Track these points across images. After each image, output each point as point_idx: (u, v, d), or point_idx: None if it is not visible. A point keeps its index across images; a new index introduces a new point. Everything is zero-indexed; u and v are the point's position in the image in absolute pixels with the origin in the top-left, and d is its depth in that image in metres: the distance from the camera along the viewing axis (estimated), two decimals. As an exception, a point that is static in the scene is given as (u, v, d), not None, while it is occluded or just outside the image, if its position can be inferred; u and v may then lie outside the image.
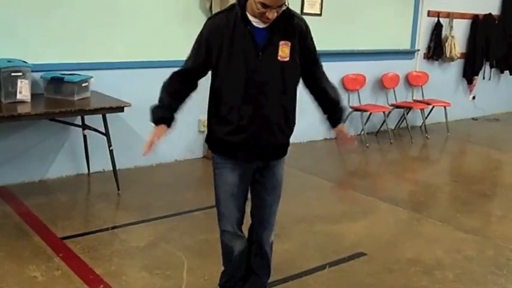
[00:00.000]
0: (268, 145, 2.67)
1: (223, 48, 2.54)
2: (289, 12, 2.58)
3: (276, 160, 2.77)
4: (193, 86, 2.72)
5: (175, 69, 2.73)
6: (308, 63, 2.69)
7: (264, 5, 2.42)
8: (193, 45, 2.65)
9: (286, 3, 2.50)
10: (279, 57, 2.56)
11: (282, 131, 2.69)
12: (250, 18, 2.54)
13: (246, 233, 2.93)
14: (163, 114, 2.71)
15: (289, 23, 2.59)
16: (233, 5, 2.61)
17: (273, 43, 2.55)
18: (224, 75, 2.58)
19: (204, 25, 2.64)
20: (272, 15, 2.46)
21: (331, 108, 2.85)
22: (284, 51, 2.57)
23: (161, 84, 2.74)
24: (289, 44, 2.57)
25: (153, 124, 2.72)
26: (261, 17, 2.49)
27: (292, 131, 2.78)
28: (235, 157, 2.68)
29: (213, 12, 5.44)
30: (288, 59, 2.58)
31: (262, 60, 2.54)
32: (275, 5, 2.43)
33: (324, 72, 2.81)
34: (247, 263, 2.97)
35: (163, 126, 2.70)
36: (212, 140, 2.75)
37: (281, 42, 2.56)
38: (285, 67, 2.58)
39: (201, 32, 2.63)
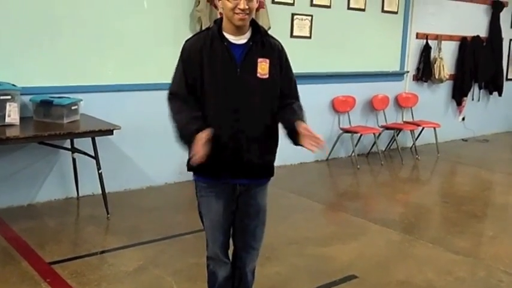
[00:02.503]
0: (252, 161, 2.64)
1: (204, 66, 2.54)
2: (264, 32, 2.64)
3: (259, 181, 2.74)
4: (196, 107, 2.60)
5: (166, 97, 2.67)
6: (283, 80, 2.67)
7: None
8: (175, 71, 2.64)
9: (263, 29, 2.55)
10: (258, 74, 2.57)
11: (262, 149, 2.66)
12: (227, 35, 2.57)
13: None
14: (194, 126, 2.49)
15: (266, 41, 2.62)
16: (208, 27, 2.67)
17: (251, 59, 2.56)
18: (204, 92, 2.57)
19: (182, 47, 2.64)
20: (243, 4, 2.48)
21: (292, 114, 2.65)
22: (263, 68, 2.58)
23: (168, 114, 2.62)
24: (268, 61, 2.59)
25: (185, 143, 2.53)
26: (234, 14, 2.50)
27: (275, 150, 2.74)
28: (218, 177, 2.64)
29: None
30: (267, 76, 2.59)
31: (241, 77, 2.55)
32: None
33: (295, 94, 2.74)
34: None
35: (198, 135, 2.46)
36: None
37: (259, 60, 2.57)
38: (264, 84, 2.59)
39: (180, 55, 2.63)
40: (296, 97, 2.75)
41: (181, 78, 2.60)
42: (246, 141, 2.59)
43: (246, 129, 2.58)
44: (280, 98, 2.68)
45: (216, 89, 2.55)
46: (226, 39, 2.56)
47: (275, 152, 2.75)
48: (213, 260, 2.80)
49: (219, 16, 5.44)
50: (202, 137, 2.42)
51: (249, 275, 2.89)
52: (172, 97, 2.64)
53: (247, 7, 2.50)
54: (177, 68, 2.64)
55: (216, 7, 5.46)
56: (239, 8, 2.48)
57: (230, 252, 2.84)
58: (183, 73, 2.59)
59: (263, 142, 2.65)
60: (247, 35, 2.59)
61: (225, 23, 2.56)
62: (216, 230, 2.73)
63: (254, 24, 2.62)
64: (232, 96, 2.55)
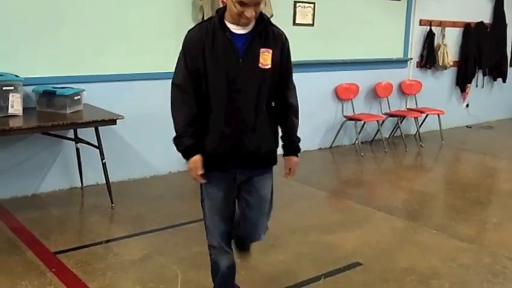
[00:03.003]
0: (251, 151, 2.65)
1: (205, 56, 2.53)
2: (268, 21, 2.61)
3: (261, 171, 2.74)
4: (196, 103, 2.63)
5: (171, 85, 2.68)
6: (282, 72, 2.67)
7: (241, 3, 2.43)
8: (177, 61, 2.64)
9: (263, 2, 2.52)
10: (260, 65, 2.56)
11: (264, 137, 2.67)
12: (229, 25, 2.54)
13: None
14: (188, 142, 2.61)
15: (270, 31, 2.60)
16: (211, 17, 2.64)
17: (253, 49, 2.55)
18: (207, 82, 2.57)
19: (184, 38, 2.64)
20: (250, 13, 2.46)
21: (287, 137, 2.81)
22: (265, 59, 2.57)
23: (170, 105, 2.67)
24: (271, 51, 2.58)
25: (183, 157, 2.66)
26: (239, 17, 2.49)
27: (276, 139, 2.75)
28: (218, 167, 2.65)
29: (205, 24, 5.46)
30: (269, 66, 2.58)
31: (243, 67, 2.54)
32: (252, 3, 2.44)
33: (294, 88, 2.77)
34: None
35: (195, 157, 2.61)
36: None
37: (262, 50, 2.56)
38: (266, 74, 2.58)
39: (182, 46, 2.63)
40: (292, 86, 2.76)
41: (183, 69, 2.60)
42: (246, 131, 2.60)
43: (246, 119, 2.59)
44: (278, 88, 2.69)
45: (218, 79, 2.55)
46: (228, 29, 2.54)
47: (276, 142, 2.75)
48: (215, 249, 2.80)
49: (221, 5, 5.46)
50: (198, 168, 2.59)
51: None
52: (175, 88, 2.65)
53: (253, 14, 2.48)
54: (179, 58, 2.63)
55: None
56: (245, 16, 2.48)
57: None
58: (185, 64, 2.59)
59: (263, 132, 2.65)
60: (251, 25, 2.57)
61: (228, 13, 2.54)
62: (216, 216, 2.73)
63: (258, 14, 2.58)
64: (234, 86, 2.55)
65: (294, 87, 2.78)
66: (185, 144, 2.61)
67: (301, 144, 2.85)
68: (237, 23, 2.54)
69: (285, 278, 3.48)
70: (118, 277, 3.50)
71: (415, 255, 3.96)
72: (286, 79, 2.72)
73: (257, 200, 2.76)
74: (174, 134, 2.77)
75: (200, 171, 2.61)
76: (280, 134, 2.79)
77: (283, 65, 2.66)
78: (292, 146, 2.82)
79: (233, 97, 2.55)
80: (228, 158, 2.64)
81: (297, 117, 2.79)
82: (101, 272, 3.55)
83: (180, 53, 2.62)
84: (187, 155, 2.63)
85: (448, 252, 4.03)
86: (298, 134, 2.82)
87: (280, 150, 2.81)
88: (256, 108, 2.60)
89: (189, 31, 2.66)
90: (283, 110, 2.74)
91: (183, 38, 2.64)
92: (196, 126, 2.60)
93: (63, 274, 3.49)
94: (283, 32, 2.68)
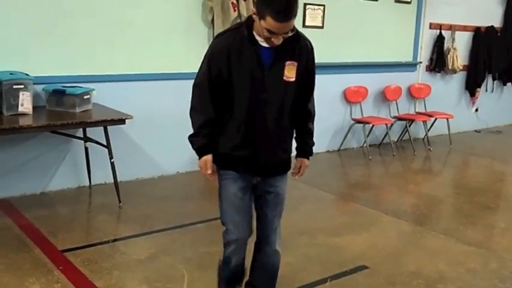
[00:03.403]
0: (268, 162, 2.71)
1: (231, 67, 2.55)
2: (296, 35, 2.60)
3: (275, 176, 2.78)
4: (215, 108, 2.68)
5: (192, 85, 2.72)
6: (305, 83, 2.71)
7: (270, 31, 2.44)
8: (202, 64, 2.67)
9: (294, 27, 2.52)
10: (284, 77, 2.59)
11: (282, 148, 2.74)
12: (257, 38, 2.55)
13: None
14: (201, 142, 2.71)
15: (296, 44, 2.60)
16: (240, 24, 2.64)
17: (279, 63, 2.57)
18: (230, 92, 2.59)
19: (211, 44, 2.68)
20: (278, 40, 2.49)
21: (303, 140, 2.87)
22: (290, 72, 2.59)
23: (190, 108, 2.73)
24: (296, 64, 2.60)
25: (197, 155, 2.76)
26: (267, 40, 2.51)
27: (291, 148, 2.81)
28: (237, 170, 2.71)
29: (215, 24, 5.49)
30: (293, 79, 2.61)
31: (268, 79, 2.57)
32: (281, 32, 2.46)
33: (313, 95, 2.83)
34: (253, 278, 2.99)
35: (206, 157, 2.71)
36: (217, 155, 2.75)
37: (287, 63, 2.58)
38: (289, 87, 2.61)
39: (208, 51, 2.65)
40: (313, 100, 2.82)
41: (205, 74, 2.63)
42: (266, 142, 2.65)
43: (268, 130, 2.63)
44: (300, 98, 2.71)
45: (242, 90, 2.58)
46: (256, 42, 2.55)
47: (291, 150, 2.82)
48: (231, 245, 2.81)
49: (231, 7, 5.48)
50: (208, 167, 2.70)
51: (275, 265, 2.94)
52: (195, 90, 2.70)
53: (281, 40, 2.50)
54: (203, 62, 2.66)
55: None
56: (272, 42, 2.49)
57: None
58: (208, 69, 2.62)
59: (282, 142, 2.72)
60: None
61: (256, 27, 2.53)
62: (234, 213, 2.75)
63: None
64: (258, 98, 2.58)
65: (312, 95, 2.82)
66: (198, 144, 2.71)
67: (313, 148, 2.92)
68: None
69: (291, 280, 3.47)
70: (125, 276, 3.51)
71: (422, 259, 3.95)
72: (309, 88, 2.76)
73: (274, 199, 2.81)
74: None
75: (209, 171, 2.71)
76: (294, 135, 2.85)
77: (308, 75, 2.70)
78: (307, 150, 2.90)
79: (256, 108, 2.59)
80: (245, 166, 2.69)
81: (313, 123, 2.86)
82: (108, 270, 3.56)
83: (205, 57, 2.66)
84: (199, 153, 2.72)
85: (456, 257, 4.01)
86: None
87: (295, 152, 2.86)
88: (277, 120, 2.64)
89: (217, 36, 2.71)
90: (302, 117, 2.79)
91: (210, 43, 2.68)
92: (211, 128, 2.68)
93: (70, 272, 3.51)
94: (309, 41, 2.69)
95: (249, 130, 2.62)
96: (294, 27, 2.54)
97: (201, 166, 2.74)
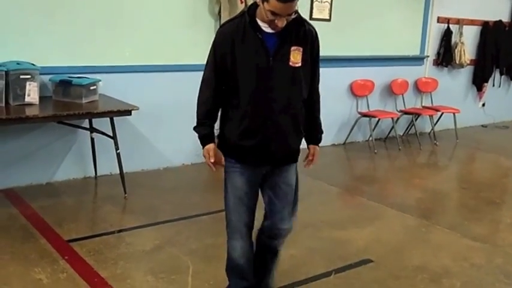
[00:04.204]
0: (278, 150, 2.69)
1: (235, 54, 2.55)
2: (300, 18, 2.59)
3: (284, 165, 2.76)
4: (221, 97, 2.72)
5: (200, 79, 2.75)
6: (311, 69, 2.70)
7: (273, 13, 2.43)
8: (208, 55, 2.68)
9: (296, 9, 2.50)
10: (290, 63, 2.57)
11: (291, 136, 2.70)
12: (260, 24, 2.54)
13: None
14: (204, 131, 2.76)
15: (300, 28, 2.59)
16: (243, 12, 2.63)
17: (284, 48, 2.56)
18: (236, 80, 2.59)
19: (216, 34, 2.68)
20: (281, 23, 2.47)
21: (312, 129, 2.87)
22: (296, 57, 2.58)
23: (196, 100, 2.76)
24: (301, 49, 2.58)
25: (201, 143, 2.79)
26: (270, 24, 2.50)
27: (301, 137, 2.79)
28: (244, 161, 2.70)
29: (221, 17, 5.47)
30: (299, 64, 2.59)
31: (274, 66, 2.55)
32: (285, 14, 2.44)
33: (318, 82, 2.82)
34: (258, 268, 2.97)
35: (209, 145, 2.74)
36: (224, 144, 2.76)
37: (292, 48, 2.57)
38: (296, 72, 2.59)
39: (213, 41, 2.66)
40: (318, 89, 2.81)
41: (211, 65, 2.65)
42: (274, 130, 2.63)
43: (275, 117, 2.61)
44: (307, 85, 2.70)
45: (248, 78, 2.57)
46: (259, 28, 2.54)
47: (301, 139, 2.80)
48: (235, 240, 2.82)
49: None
50: (210, 156, 2.71)
51: (272, 257, 2.95)
52: (202, 83, 2.72)
53: (285, 23, 2.48)
54: (209, 53, 2.67)
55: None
56: (276, 24, 2.48)
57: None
58: (214, 59, 2.63)
59: (291, 131, 2.69)
60: None
61: (260, 13, 2.52)
62: (239, 206, 2.76)
63: None
64: (264, 85, 2.56)
65: (318, 83, 2.81)
66: (201, 133, 2.74)
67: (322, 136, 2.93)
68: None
69: (295, 273, 3.48)
70: (130, 267, 3.53)
71: (427, 254, 3.94)
72: (314, 74, 2.74)
73: (283, 190, 2.79)
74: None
75: (212, 159, 2.72)
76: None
77: (313, 62, 2.68)
78: (317, 136, 2.89)
79: (262, 95, 2.58)
80: (253, 156, 2.68)
81: (319, 113, 2.86)
82: (113, 261, 3.58)
83: (211, 48, 2.66)
84: (203, 142, 2.75)
85: (460, 252, 4.01)
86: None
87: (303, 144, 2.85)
88: (286, 107, 2.62)
89: (220, 27, 2.71)
90: (309, 105, 2.77)
91: (215, 33, 2.69)
92: (215, 119, 2.74)
93: (76, 262, 3.52)
94: (314, 28, 2.68)
95: (256, 117, 2.60)
96: (297, 11, 2.53)
97: (204, 155, 2.76)
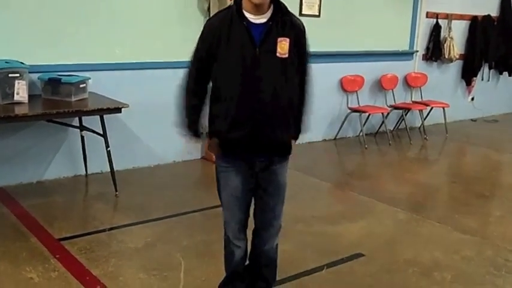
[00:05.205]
0: (268, 141, 2.67)
1: (221, 45, 2.55)
2: (286, 10, 2.60)
3: (277, 159, 2.76)
4: (205, 90, 2.72)
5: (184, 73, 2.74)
6: (299, 61, 2.69)
7: None
8: (195, 47, 2.67)
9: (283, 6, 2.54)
10: (277, 54, 2.57)
11: (280, 127, 2.68)
12: (247, 14, 2.55)
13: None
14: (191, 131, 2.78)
15: (287, 20, 2.60)
16: (230, 5, 2.64)
17: (270, 39, 2.56)
18: (222, 71, 2.59)
19: (204, 26, 2.69)
20: None
21: (297, 126, 2.84)
22: (283, 48, 2.57)
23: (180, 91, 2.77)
24: (288, 40, 2.58)
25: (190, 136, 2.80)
26: (253, 9, 2.51)
27: (291, 128, 2.76)
28: (234, 154, 2.69)
29: (211, 13, 5.46)
30: (287, 55, 2.58)
31: (260, 56, 2.55)
32: None
33: (310, 79, 2.79)
34: (253, 266, 2.98)
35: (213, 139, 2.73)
36: (214, 137, 2.75)
37: (279, 39, 2.57)
38: (283, 63, 2.59)
39: (201, 33, 2.66)
40: (309, 78, 2.78)
41: (196, 55, 2.65)
42: (263, 120, 2.61)
43: (264, 108, 2.59)
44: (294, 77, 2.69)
45: (235, 69, 2.56)
46: (246, 19, 2.55)
47: (291, 131, 2.77)
48: (231, 239, 2.83)
49: (228, -4, 5.45)
50: (213, 142, 2.67)
51: (270, 253, 2.94)
52: (186, 74, 2.71)
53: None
54: (196, 45, 2.67)
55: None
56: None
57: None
58: (197, 50, 2.64)
59: (281, 120, 2.66)
60: (268, 14, 2.57)
61: (245, 2, 2.54)
62: (234, 205, 2.76)
63: (276, 3, 2.59)
64: (251, 75, 2.56)
65: (310, 79, 2.78)
66: (189, 134, 2.77)
67: (304, 136, 2.90)
68: (254, 12, 2.55)
69: (287, 267, 3.47)
70: (122, 264, 3.52)
71: (417, 247, 3.97)
72: (303, 70, 2.73)
73: (275, 187, 2.79)
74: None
75: (215, 149, 2.72)
76: None
77: (301, 55, 2.67)
78: (295, 132, 2.83)
79: (250, 85, 2.56)
80: (243, 146, 2.66)
81: (305, 114, 2.82)
82: (105, 259, 3.57)
83: (198, 39, 2.67)
84: (195, 137, 2.79)
85: (451, 245, 4.04)
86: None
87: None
88: (275, 98, 2.60)
89: (208, 19, 2.74)
90: (296, 107, 2.76)
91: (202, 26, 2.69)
92: (199, 113, 2.73)
93: (67, 260, 3.51)
94: (301, 22, 2.68)
95: (244, 108, 2.58)
96: (283, 5, 2.57)
97: (210, 150, 2.77)
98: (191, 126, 2.73)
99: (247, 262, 2.98)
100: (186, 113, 2.73)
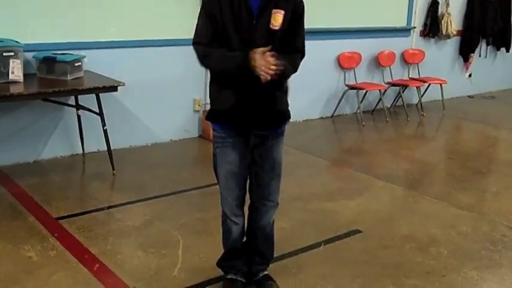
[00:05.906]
0: (262, 112, 2.69)
1: (223, 14, 2.56)
2: None
3: (273, 131, 2.77)
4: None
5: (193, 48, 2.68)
6: (294, 35, 2.67)
7: None
8: (197, 21, 2.66)
9: None
10: (270, 25, 2.57)
11: (276, 98, 2.71)
12: None
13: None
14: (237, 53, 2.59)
15: None
16: None
17: (266, 11, 2.57)
18: (221, 42, 2.59)
19: (202, 2, 2.68)
20: None
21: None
22: (276, 20, 2.57)
23: (198, 60, 2.67)
24: (283, 12, 2.58)
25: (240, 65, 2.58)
26: None
27: (285, 99, 2.78)
28: (232, 124, 2.69)
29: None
30: (278, 27, 2.58)
31: (257, 28, 2.57)
32: None
33: (302, 44, 2.73)
34: (250, 242, 2.99)
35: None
36: (212, 110, 2.76)
37: (274, 10, 2.57)
38: (276, 35, 2.59)
39: (201, 6, 2.66)
40: (301, 52, 2.74)
41: (204, 26, 2.63)
42: (260, 90, 2.60)
43: (257, 78, 2.56)
44: (287, 49, 2.66)
45: (234, 40, 2.58)
46: None
47: (285, 101, 2.78)
48: (229, 215, 2.84)
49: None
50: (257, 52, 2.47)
51: (267, 229, 2.95)
52: (197, 45, 2.66)
53: None
54: (199, 18, 2.65)
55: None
56: None
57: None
58: (206, 21, 2.61)
59: (273, 91, 2.68)
60: None
61: None
62: (231, 181, 2.77)
63: None
64: (247, 47, 2.55)
65: (302, 56, 2.74)
66: (243, 59, 2.54)
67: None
68: None
69: (285, 245, 3.50)
70: (120, 242, 3.54)
71: (414, 223, 3.99)
72: (294, 42, 2.69)
73: (271, 162, 2.80)
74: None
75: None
76: None
77: (295, 26, 2.65)
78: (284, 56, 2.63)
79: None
80: (243, 117, 2.67)
81: (294, 61, 2.70)
82: (103, 237, 3.58)
83: (200, 13, 2.65)
84: (244, 61, 2.55)
85: (448, 220, 4.06)
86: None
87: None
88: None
89: None
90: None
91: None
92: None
93: (66, 239, 3.52)
94: None
95: (240, 80, 2.59)
96: None
97: (258, 65, 2.49)
98: (238, 54, 2.56)
99: (244, 239, 3.00)
100: (226, 56, 2.59)
